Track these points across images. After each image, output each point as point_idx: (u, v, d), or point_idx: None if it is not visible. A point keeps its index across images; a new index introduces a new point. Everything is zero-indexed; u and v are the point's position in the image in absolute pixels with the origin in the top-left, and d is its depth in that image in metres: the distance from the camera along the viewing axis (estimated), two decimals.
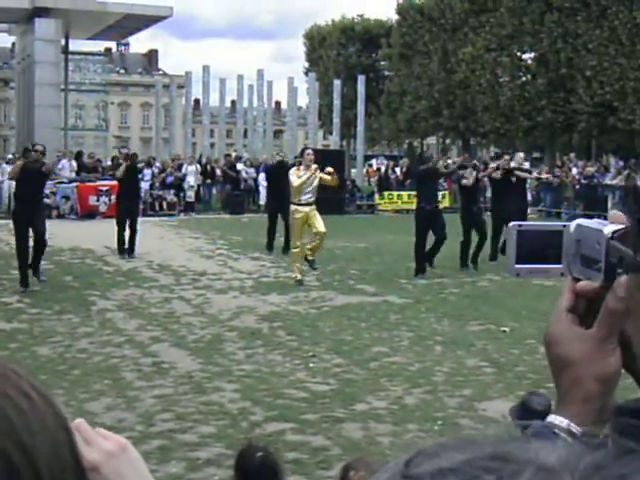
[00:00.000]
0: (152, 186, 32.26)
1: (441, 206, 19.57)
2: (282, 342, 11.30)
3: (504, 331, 11.93)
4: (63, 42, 43.89)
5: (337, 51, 63.77)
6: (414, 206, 18.69)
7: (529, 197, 25.45)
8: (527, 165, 20.92)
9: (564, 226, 1.27)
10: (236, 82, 45.94)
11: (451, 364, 10.19)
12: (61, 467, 0.98)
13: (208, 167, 35.50)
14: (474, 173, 18.58)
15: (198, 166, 35.18)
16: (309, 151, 16.61)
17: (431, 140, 67.93)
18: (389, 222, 29.18)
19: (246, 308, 13.57)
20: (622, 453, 0.70)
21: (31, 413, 0.97)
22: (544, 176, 34.21)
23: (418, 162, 18.76)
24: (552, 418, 1.16)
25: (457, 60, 49.99)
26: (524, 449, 0.67)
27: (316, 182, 15.86)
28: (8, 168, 28.21)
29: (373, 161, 54.46)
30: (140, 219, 20.44)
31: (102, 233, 22.09)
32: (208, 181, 35.06)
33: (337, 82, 45.57)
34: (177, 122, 48.09)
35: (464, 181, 18.70)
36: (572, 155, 39.43)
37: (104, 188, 29.62)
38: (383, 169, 41.40)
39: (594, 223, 1.21)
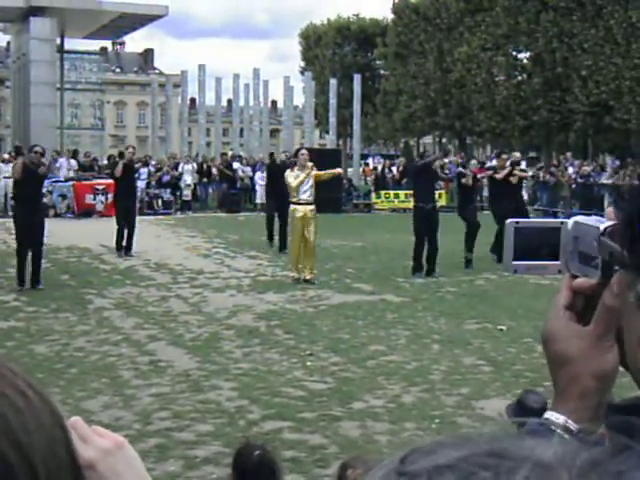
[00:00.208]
0: (148, 185, 32.25)
1: (438, 205, 19.57)
2: (279, 341, 11.29)
3: (501, 330, 11.94)
4: (58, 41, 43.88)
5: (333, 50, 63.82)
6: (411, 205, 18.71)
7: (525, 196, 25.49)
8: (523, 165, 20.98)
9: (562, 223, 1.27)
10: (232, 81, 45.96)
11: (448, 363, 10.18)
12: (57, 465, 0.98)
13: (204, 166, 35.50)
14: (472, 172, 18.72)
15: (194, 165, 35.18)
16: (303, 151, 16.66)
17: (427, 139, 68.03)
18: (386, 221, 29.19)
19: (243, 307, 13.57)
20: (618, 450, 0.69)
21: (27, 411, 0.97)
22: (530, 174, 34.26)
23: (418, 162, 18.74)
24: (549, 415, 1.16)
25: (453, 59, 50.03)
26: (520, 446, 0.66)
27: (312, 181, 15.90)
28: (4, 168, 28.22)
29: (370, 160, 54.43)
30: (137, 218, 20.42)
31: (99, 232, 22.09)
32: (204, 180, 35.06)
33: (333, 81, 45.58)
34: (173, 121, 48.08)
35: (463, 180, 18.81)
36: (568, 154, 39.46)
37: (100, 187, 29.62)
38: (380, 168, 41.41)
39: (592, 220, 1.21)
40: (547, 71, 45.15)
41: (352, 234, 24.31)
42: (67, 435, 1.02)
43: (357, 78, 44.58)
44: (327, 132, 50.68)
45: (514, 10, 46.28)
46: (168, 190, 32.60)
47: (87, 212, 29.56)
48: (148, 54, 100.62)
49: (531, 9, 45.44)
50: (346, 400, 8.58)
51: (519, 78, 48.61)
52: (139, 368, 9.83)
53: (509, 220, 1.33)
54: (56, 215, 28.38)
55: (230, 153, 39.63)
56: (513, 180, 19.30)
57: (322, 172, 16.22)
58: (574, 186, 33.17)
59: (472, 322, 12.52)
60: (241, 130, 47.66)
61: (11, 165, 21.68)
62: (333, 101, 44.60)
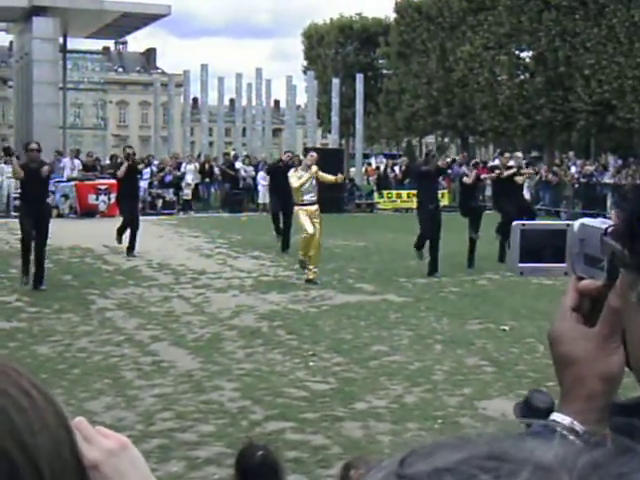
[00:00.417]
0: (151, 185, 32.25)
1: (441, 205, 19.60)
2: (282, 341, 11.30)
3: (504, 330, 11.93)
4: (61, 40, 43.84)
5: (335, 49, 63.79)
6: (414, 205, 18.74)
7: (527, 196, 25.49)
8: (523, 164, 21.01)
9: (567, 225, 1.28)
10: (235, 81, 45.94)
11: (451, 363, 10.18)
12: (62, 466, 0.98)
13: (206, 166, 35.49)
14: (474, 172, 18.68)
15: (197, 165, 35.18)
16: (313, 153, 16.74)
17: (430, 139, 68.01)
18: (388, 221, 29.20)
19: (246, 307, 13.57)
20: (620, 452, 0.69)
21: (32, 411, 0.97)
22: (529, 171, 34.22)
23: (422, 162, 18.80)
24: (555, 416, 1.16)
25: (455, 58, 49.98)
26: (521, 448, 0.66)
27: (314, 182, 15.92)
28: (7, 168, 28.21)
29: (372, 160, 54.43)
30: (140, 218, 20.41)
31: (101, 232, 22.10)
32: (207, 180, 35.06)
33: (336, 81, 45.56)
34: (176, 121, 48.08)
35: (465, 179, 18.84)
36: (571, 154, 39.47)
37: (103, 187, 29.63)
38: (382, 168, 41.39)
39: (598, 222, 1.21)
40: (550, 70, 45.11)
41: (354, 234, 24.30)
42: (72, 436, 1.03)
43: (359, 77, 44.55)
44: (329, 131, 50.68)
45: (516, 9, 46.25)
46: (170, 190, 32.59)
47: (90, 212, 29.56)
48: (150, 54, 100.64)
49: (533, 8, 45.39)
50: (348, 400, 8.58)
51: (522, 77, 48.56)
52: (142, 369, 9.83)
53: (515, 222, 1.33)
54: (59, 215, 28.37)
55: (233, 153, 39.61)
56: (519, 180, 19.37)
57: (324, 174, 16.21)
58: (577, 185, 33.17)
59: (475, 322, 12.52)
60: (243, 130, 47.66)
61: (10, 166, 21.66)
62: (335, 100, 44.58)
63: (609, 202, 31.77)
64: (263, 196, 32.13)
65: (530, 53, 48.08)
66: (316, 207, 15.99)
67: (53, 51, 39.64)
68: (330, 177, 16.35)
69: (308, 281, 15.80)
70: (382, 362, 10.21)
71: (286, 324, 12.33)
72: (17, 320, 12.43)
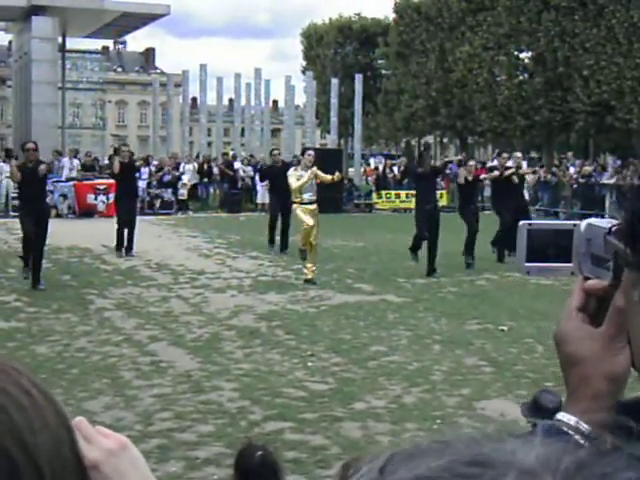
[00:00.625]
0: (149, 185, 32.25)
1: (439, 205, 19.60)
2: (280, 341, 11.29)
3: (502, 330, 11.93)
4: (60, 40, 43.85)
5: (334, 50, 63.85)
6: (412, 205, 18.73)
7: (526, 196, 25.50)
8: (524, 165, 21.05)
9: (574, 225, 1.28)
10: (233, 81, 45.97)
11: (449, 363, 10.18)
12: (62, 465, 0.98)
13: (205, 166, 35.49)
14: (463, 172, 18.68)
15: (195, 165, 35.19)
16: (310, 152, 16.68)
17: (428, 139, 68.01)
18: (387, 221, 29.21)
19: (244, 307, 13.57)
20: (604, 451, 0.69)
21: (32, 410, 0.97)
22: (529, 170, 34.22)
23: (417, 162, 18.81)
24: (560, 416, 1.16)
25: (454, 59, 50.03)
26: (502, 450, 0.65)
27: (314, 182, 15.92)
28: (5, 167, 28.22)
29: (371, 160, 54.46)
30: (138, 218, 20.42)
31: (100, 232, 22.10)
32: (205, 180, 35.06)
33: (334, 81, 45.58)
34: (174, 121, 48.11)
35: (459, 180, 18.90)
36: (570, 154, 39.47)
37: (102, 187, 29.63)
38: (381, 168, 41.41)
39: (604, 222, 1.21)
40: (549, 71, 45.15)
41: (353, 234, 24.31)
42: (72, 435, 1.03)
43: (358, 78, 44.58)
44: (328, 132, 50.69)
45: (516, 10, 46.29)
46: (169, 190, 32.59)
47: (88, 212, 29.56)
48: (149, 53, 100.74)
49: (533, 9, 45.44)
50: (347, 401, 8.58)
51: (520, 78, 48.61)
52: (140, 369, 9.83)
53: (522, 222, 1.33)
54: (57, 215, 28.37)
55: (232, 153, 39.62)
56: (515, 179, 19.41)
57: (322, 174, 16.18)
58: (575, 186, 33.17)
59: (473, 322, 12.52)
60: (242, 130, 47.68)
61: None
62: (334, 101, 44.60)
63: (608, 202, 31.79)
64: (262, 196, 32.14)
65: (529, 54, 48.14)
66: (315, 206, 15.99)
67: (52, 51, 39.65)
68: (328, 177, 16.33)
69: (307, 281, 15.80)
70: (381, 362, 10.21)
71: (285, 324, 12.33)
72: (16, 320, 12.43)
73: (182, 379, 9.37)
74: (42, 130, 35.99)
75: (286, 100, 46.69)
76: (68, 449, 1.00)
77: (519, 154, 22.26)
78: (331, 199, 27.07)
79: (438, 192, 32.70)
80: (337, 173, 16.78)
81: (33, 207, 14.90)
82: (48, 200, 26.38)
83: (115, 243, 19.60)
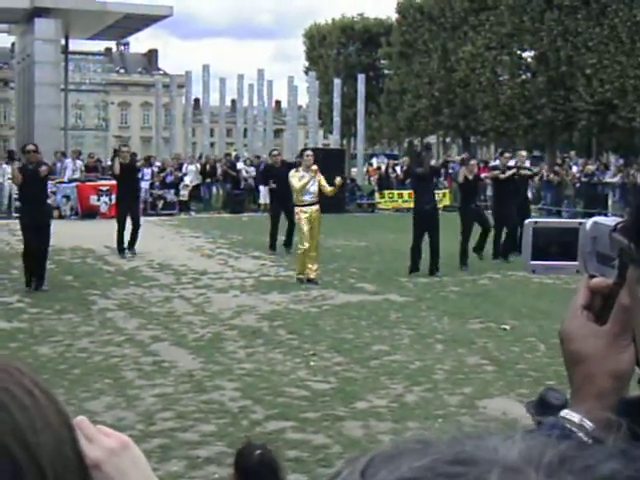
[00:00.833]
0: (152, 185, 32.25)
1: (440, 205, 19.63)
2: (283, 341, 11.30)
3: (504, 329, 11.93)
4: (63, 42, 43.88)
5: (337, 50, 63.82)
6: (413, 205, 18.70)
7: (529, 195, 25.48)
8: (528, 164, 20.97)
9: (580, 223, 1.28)
10: (236, 81, 45.98)
11: (451, 362, 10.19)
12: (64, 464, 0.99)
13: (207, 166, 35.48)
14: (464, 171, 18.71)
15: (198, 165, 35.19)
16: (309, 152, 16.61)
17: (431, 139, 67.93)
18: (389, 221, 29.17)
19: (247, 307, 13.57)
20: (586, 444, 0.69)
21: (34, 410, 0.98)
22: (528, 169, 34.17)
23: (416, 162, 18.80)
24: (565, 413, 1.16)
25: (457, 58, 49.99)
26: (484, 448, 0.65)
27: (316, 185, 15.89)
28: (8, 169, 28.21)
29: (373, 160, 54.43)
30: (141, 218, 20.39)
31: (102, 233, 22.09)
32: (208, 180, 35.06)
33: (337, 81, 45.58)
34: (177, 122, 48.10)
35: (458, 178, 18.94)
36: (572, 153, 39.44)
37: (104, 188, 29.63)
38: (383, 168, 41.40)
39: (610, 220, 1.22)
40: (551, 70, 45.11)
41: (356, 234, 24.30)
42: (74, 435, 1.03)
43: (361, 78, 44.58)
44: (331, 132, 50.71)
45: (518, 9, 46.25)
46: (172, 191, 32.59)
47: (91, 213, 29.56)
48: (152, 55, 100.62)
49: (535, 8, 45.40)
50: (349, 400, 8.59)
51: (523, 77, 48.57)
52: (142, 369, 9.84)
53: (528, 220, 1.33)
54: (60, 216, 28.37)
55: (234, 154, 39.61)
56: (522, 172, 19.45)
57: (325, 185, 16.10)
58: (578, 185, 33.15)
59: (475, 321, 12.53)
60: (245, 130, 47.68)
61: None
62: (337, 101, 44.60)
63: (610, 201, 31.77)
64: (264, 197, 32.09)
65: (532, 53, 48.09)
66: (316, 207, 15.96)
67: (55, 52, 39.71)
68: (329, 188, 16.19)
69: (309, 280, 15.79)
70: (383, 361, 10.22)
71: (287, 324, 12.33)
72: (18, 321, 12.44)
73: (184, 379, 9.38)
74: (45, 132, 36.05)
75: (289, 100, 46.74)
76: (70, 448, 1.01)
77: (524, 153, 22.20)
78: (334, 199, 26.89)
79: (440, 192, 32.81)
80: (338, 178, 16.62)
81: (33, 209, 14.88)
82: (51, 201, 26.42)
83: (117, 244, 19.58)
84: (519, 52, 48.93)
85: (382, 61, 63.10)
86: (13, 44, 56.64)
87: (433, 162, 19.26)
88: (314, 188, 15.89)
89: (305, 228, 15.91)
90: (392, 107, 56.72)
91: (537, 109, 45.69)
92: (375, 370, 9.82)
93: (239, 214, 32.12)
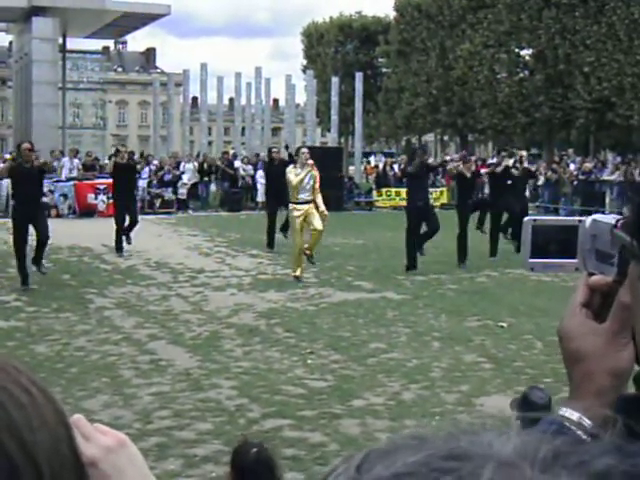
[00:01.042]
0: (150, 184, 32.23)
1: (437, 203, 19.66)
2: (280, 339, 11.31)
3: (502, 327, 11.95)
4: (60, 40, 43.79)
5: (335, 48, 63.82)
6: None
7: (527, 194, 25.48)
8: (526, 164, 20.92)
9: (579, 221, 1.28)
10: (234, 80, 45.91)
11: (449, 360, 10.20)
12: (61, 462, 0.99)
13: (205, 165, 35.45)
14: (461, 166, 18.82)
15: (196, 164, 35.17)
16: (304, 150, 16.61)
17: (429, 137, 67.95)
18: (387, 219, 29.16)
19: (244, 305, 13.58)
20: (581, 439, 0.70)
21: (31, 408, 0.98)
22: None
23: (410, 160, 18.85)
24: (563, 411, 1.16)
25: (455, 57, 50.02)
26: (478, 443, 0.65)
27: (312, 181, 15.88)
28: None
29: (371, 158, 54.43)
30: (139, 216, 20.38)
31: (100, 231, 22.08)
32: (206, 179, 35.02)
33: (335, 79, 45.53)
34: (175, 120, 48.04)
35: (448, 167, 19.07)
36: (570, 151, 39.44)
37: (102, 186, 29.59)
38: (381, 166, 41.38)
39: (609, 218, 1.22)
40: (549, 68, 45.14)
41: (353, 232, 24.31)
42: (70, 433, 1.04)
43: (359, 76, 44.52)
44: (329, 130, 50.65)
45: (516, 7, 46.29)
46: (169, 189, 32.57)
47: (88, 212, 29.54)
48: (150, 53, 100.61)
49: (533, 6, 45.44)
50: (346, 398, 8.60)
51: (521, 75, 48.62)
52: (139, 367, 9.84)
53: (527, 218, 1.33)
54: (58, 215, 28.38)
55: (232, 152, 39.59)
56: (515, 173, 19.43)
57: (319, 200, 16.10)
58: (576, 182, 33.16)
59: (473, 319, 12.54)
60: (243, 129, 47.63)
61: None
62: (335, 99, 44.55)
63: (608, 199, 31.79)
64: (262, 195, 32.11)
65: (530, 51, 48.14)
66: (310, 206, 15.91)
67: (52, 51, 39.59)
68: (321, 205, 16.13)
69: (304, 254, 15.81)
70: (380, 359, 10.23)
71: (284, 322, 12.34)
72: (15, 319, 12.44)
73: (181, 377, 9.39)
74: (43, 130, 35.98)
75: (287, 99, 46.66)
76: (66, 446, 1.01)
77: (524, 153, 22.20)
78: (332, 197, 26.99)
79: (438, 190, 32.81)
80: (325, 213, 16.45)
81: (27, 208, 14.87)
82: (48, 200, 26.45)
83: (115, 244, 19.57)
84: (517, 50, 48.97)
85: (380, 59, 63.14)
86: (11, 43, 56.61)
87: (431, 160, 19.26)
88: (310, 185, 15.87)
89: (297, 227, 15.91)
90: (390, 105, 56.73)
91: (535, 107, 45.72)
92: (372, 368, 9.83)
93: (237, 212, 32.12)
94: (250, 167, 35.31)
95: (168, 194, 32.40)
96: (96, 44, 70.90)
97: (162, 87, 49.15)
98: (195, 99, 57.70)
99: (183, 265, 17.93)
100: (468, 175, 18.33)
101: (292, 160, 17.37)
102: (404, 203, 19.72)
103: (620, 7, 42.03)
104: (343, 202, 33.71)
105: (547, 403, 4.24)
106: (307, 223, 15.85)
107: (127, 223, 19.50)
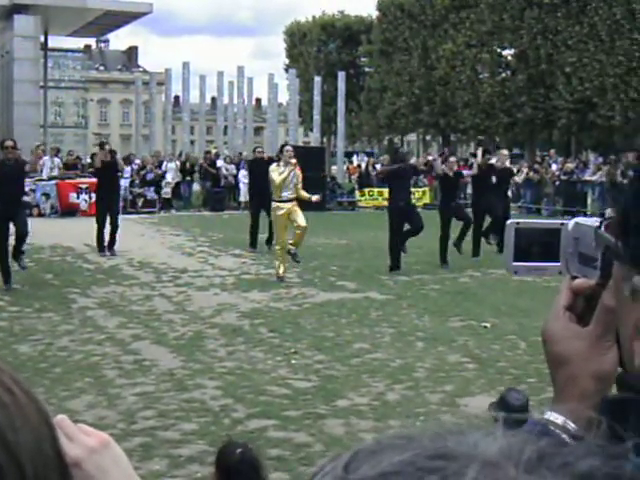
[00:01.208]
0: (132, 183, 32.15)
1: (420, 203, 19.67)
2: (263, 339, 11.29)
3: (485, 327, 11.96)
4: (42, 39, 43.66)
5: (317, 47, 63.89)
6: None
7: (510, 194, 25.55)
8: (507, 163, 20.94)
9: (562, 224, 1.28)
10: (216, 79, 45.91)
11: (432, 360, 10.20)
12: (44, 463, 0.98)
13: (187, 164, 35.39)
14: (442, 166, 18.88)
15: (178, 163, 35.11)
16: (288, 147, 16.60)
17: (411, 137, 68.08)
18: (370, 218, 29.19)
19: (227, 305, 13.56)
20: (565, 441, 0.70)
21: (13, 408, 0.97)
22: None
23: (394, 160, 18.87)
24: (548, 415, 1.15)
25: (437, 56, 50.14)
26: (464, 443, 0.65)
27: (295, 180, 15.86)
28: None
29: (354, 158, 54.51)
30: (120, 216, 20.34)
31: (82, 231, 22.01)
32: (188, 178, 34.97)
33: (317, 79, 45.60)
34: (157, 119, 48.05)
35: (438, 171, 19.08)
36: (552, 151, 39.59)
37: (84, 185, 29.51)
38: (364, 166, 41.43)
39: (592, 221, 1.22)
40: (531, 68, 45.30)
41: (336, 232, 24.33)
42: (54, 433, 1.02)
43: (341, 75, 44.59)
44: (311, 130, 50.69)
45: (498, 7, 46.43)
46: (152, 188, 32.51)
47: (71, 211, 29.44)
48: (132, 52, 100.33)
49: (515, 6, 45.58)
50: (330, 398, 8.59)
51: (503, 75, 48.79)
52: (123, 367, 9.81)
53: (509, 221, 1.32)
54: (40, 214, 28.29)
55: (214, 151, 39.55)
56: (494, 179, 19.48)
57: (302, 191, 16.10)
58: (557, 183, 33.28)
59: (456, 319, 12.55)
60: (225, 128, 47.61)
61: None
62: (317, 98, 44.60)
63: (590, 199, 31.92)
64: (244, 194, 32.11)
65: (512, 51, 48.30)
66: (293, 204, 15.89)
67: (34, 49, 39.46)
68: (304, 194, 16.16)
69: (290, 254, 15.80)
70: (364, 359, 10.23)
71: (268, 322, 12.32)
72: None
73: (165, 377, 9.36)
74: (24, 129, 35.82)
75: (269, 98, 46.64)
76: (50, 447, 1.00)
77: (505, 152, 22.22)
78: None
79: (420, 189, 32.85)
80: (316, 196, 16.56)
81: (9, 207, 14.78)
82: (30, 199, 26.33)
83: (96, 243, 19.48)
84: (499, 50, 49.13)
85: (362, 59, 63.25)
86: None
87: (413, 160, 19.29)
88: (293, 184, 15.85)
89: (280, 225, 15.91)
90: (372, 105, 56.82)
91: (517, 107, 45.87)
92: (356, 368, 9.82)
93: (219, 212, 32.10)
94: (233, 166, 35.28)
95: (150, 193, 32.33)
96: (78, 42, 70.86)
97: (144, 86, 49.05)
98: (177, 98, 57.65)
99: (166, 265, 17.89)
100: (450, 174, 18.36)
101: (276, 158, 17.38)
102: (386, 203, 19.82)
103: (602, 7, 42.19)
104: (326, 202, 33.72)
105: (524, 404, 4.25)
106: (291, 221, 15.83)
107: (108, 231, 19.34)
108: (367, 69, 62.12)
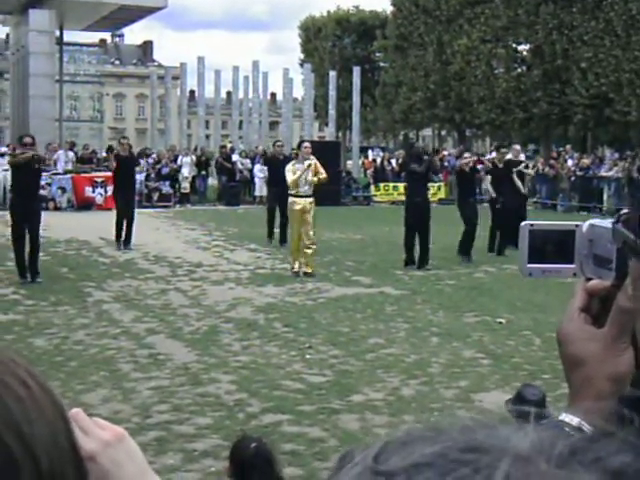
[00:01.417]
0: (147, 177, 32.21)
1: (434, 198, 19.62)
2: (278, 334, 11.30)
3: (500, 322, 11.94)
4: (57, 33, 43.75)
5: (332, 42, 63.81)
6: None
7: (524, 190, 25.49)
8: (523, 157, 20.91)
9: (576, 226, 1.27)
10: (231, 73, 45.94)
11: (447, 355, 10.19)
12: (59, 455, 0.98)
13: (203, 158, 35.44)
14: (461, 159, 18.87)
15: (193, 157, 35.15)
16: (307, 144, 16.61)
17: (427, 132, 67.99)
18: (385, 213, 29.18)
19: (242, 299, 13.57)
20: (597, 436, 0.69)
21: (29, 401, 0.97)
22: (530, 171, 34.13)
23: (409, 156, 18.83)
24: (563, 416, 1.15)
25: (452, 51, 50.00)
26: (495, 437, 0.66)
27: (310, 175, 15.85)
28: (2, 160, 28.13)
29: (369, 153, 54.46)
30: (136, 210, 20.39)
31: (98, 224, 22.09)
32: (203, 172, 35.02)
33: (332, 73, 45.53)
34: (172, 113, 48.03)
35: (461, 164, 18.98)
36: (568, 147, 39.45)
37: (99, 179, 29.61)
38: (379, 161, 41.39)
39: (606, 223, 1.21)
40: (547, 63, 45.13)
41: (351, 227, 24.33)
42: (69, 426, 1.03)
43: (356, 70, 44.52)
44: (326, 124, 50.66)
45: (514, 2, 46.26)
46: (167, 182, 32.56)
47: (86, 205, 29.54)
48: (147, 46, 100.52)
49: (531, 1, 45.42)
50: (345, 393, 8.59)
51: (519, 70, 48.61)
52: (138, 361, 9.83)
53: (523, 223, 1.32)
54: (56, 208, 28.38)
55: (229, 145, 39.59)
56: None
57: (321, 171, 16.09)
58: (573, 179, 33.18)
59: (471, 315, 12.54)
60: (240, 122, 47.63)
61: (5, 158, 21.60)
62: (332, 93, 44.55)
63: (605, 195, 31.80)
64: (260, 189, 32.15)
65: (527, 46, 48.11)
66: (311, 200, 15.93)
67: (49, 43, 39.54)
68: (323, 175, 16.13)
69: (306, 274, 15.80)
70: (379, 355, 10.22)
71: (283, 317, 12.33)
72: (14, 313, 12.42)
73: (180, 372, 9.38)
74: (39, 123, 35.91)
75: (284, 93, 46.62)
76: (65, 439, 1.00)
77: (517, 147, 22.19)
78: (329, 192, 27.02)
79: (435, 185, 32.80)
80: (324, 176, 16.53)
81: (26, 201, 14.83)
82: (46, 193, 26.42)
83: (115, 235, 19.56)
84: (514, 45, 48.95)
85: (377, 54, 63.12)
86: (7, 35, 56.53)
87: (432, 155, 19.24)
88: (310, 181, 15.85)
89: (296, 220, 15.94)
90: (387, 100, 56.72)
91: (532, 102, 45.71)
92: (371, 363, 9.82)
93: (234, 206, 32.13)
94: (248, 161, 35.30)
95: (166, 187, 32.39)
96: (93, 37, 71.01)
97: (159, 80, 49.10)
98: (192, 92, 57.70)
99: (181, 259, 17.93)
100: (467, 170, 18.32)
101: (293, 155, 17.42)
102: (402, 198, 19.80)
103: (618, 3, 41.99)
104: (341, 197, 33.74)
105: (541, 400, 4.25)
106: (303, 220, 15.86)
107: (124, 224, 19.41)
108: (382, 64, 62.03)
